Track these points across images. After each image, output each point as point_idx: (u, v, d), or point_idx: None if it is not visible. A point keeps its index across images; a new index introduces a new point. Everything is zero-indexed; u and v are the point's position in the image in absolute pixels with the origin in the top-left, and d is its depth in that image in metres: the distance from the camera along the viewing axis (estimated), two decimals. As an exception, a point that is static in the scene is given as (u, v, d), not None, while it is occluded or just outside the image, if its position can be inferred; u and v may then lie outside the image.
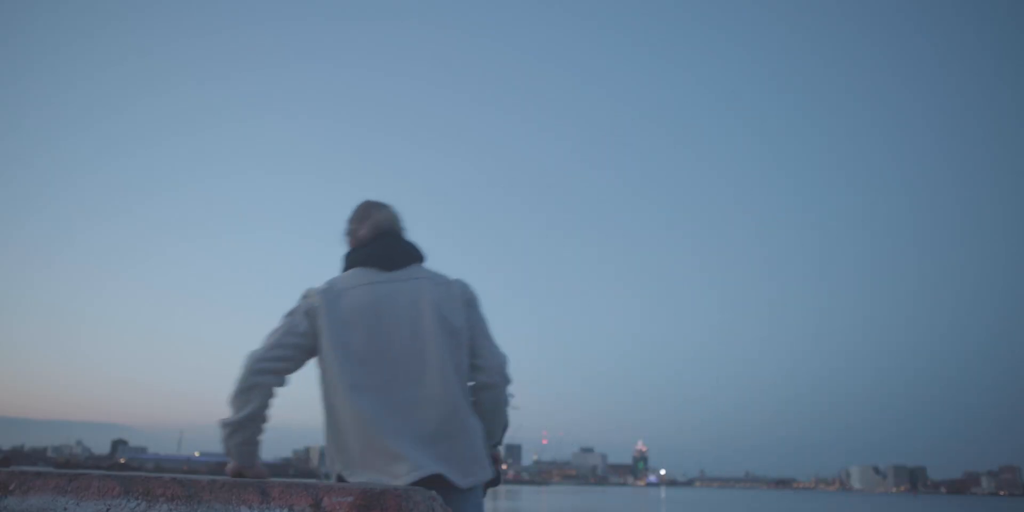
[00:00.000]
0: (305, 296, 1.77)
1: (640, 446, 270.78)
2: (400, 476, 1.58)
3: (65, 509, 1.32)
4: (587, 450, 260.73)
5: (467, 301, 1.84)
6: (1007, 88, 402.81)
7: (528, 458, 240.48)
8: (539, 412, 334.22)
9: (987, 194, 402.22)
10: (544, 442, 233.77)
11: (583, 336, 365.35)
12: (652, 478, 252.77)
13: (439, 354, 1.71)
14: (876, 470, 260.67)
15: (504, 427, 1.91)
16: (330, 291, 1.77)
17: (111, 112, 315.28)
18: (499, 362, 1.82)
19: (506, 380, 1.84)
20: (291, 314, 1.75)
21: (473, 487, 1.70)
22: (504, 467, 1.85)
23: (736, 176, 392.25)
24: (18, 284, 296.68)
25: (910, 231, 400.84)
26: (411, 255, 1.88)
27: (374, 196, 1.87)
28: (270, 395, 1.64)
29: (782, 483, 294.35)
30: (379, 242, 1.88)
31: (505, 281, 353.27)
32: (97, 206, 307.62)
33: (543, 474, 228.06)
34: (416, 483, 1.55)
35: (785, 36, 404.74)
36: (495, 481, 1.80)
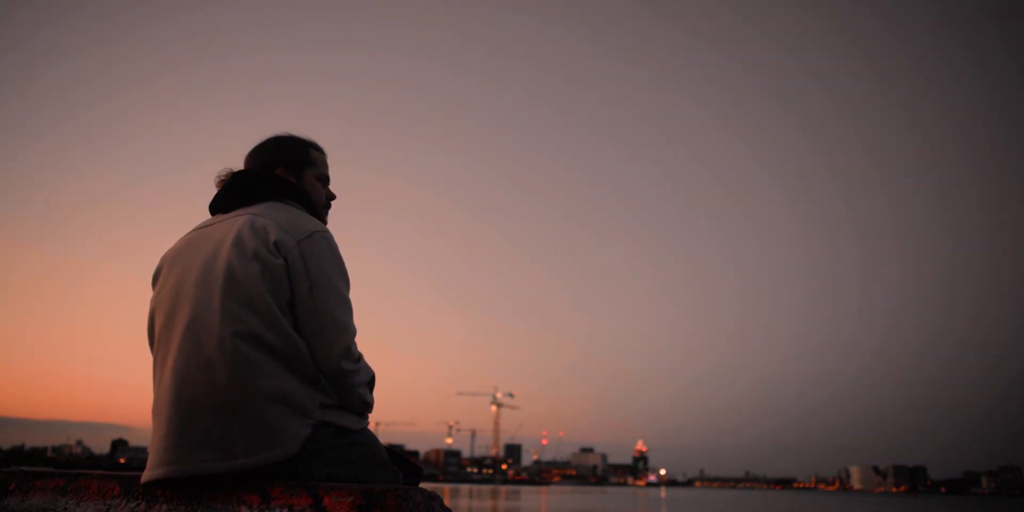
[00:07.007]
0: None
1: (640, 446, 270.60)
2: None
3: (65, 509, 1.31)
4: (587, 450, 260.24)
5: (272, 248, 1.36)
6: (999, 93, 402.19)
7: (528, 458, 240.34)
8: (539, 412, 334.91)
9: (998, 197, 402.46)
10: (544, 442, 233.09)
11: (583, 336, 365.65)
12: (652, 478, 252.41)
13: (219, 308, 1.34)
14: (876, 470, 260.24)
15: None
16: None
17: (109, 103, 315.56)
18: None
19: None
20: None
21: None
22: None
23: (743, 178, 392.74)
24: (18, 284, 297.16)
25: (911, 233, 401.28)
26: (246, 192, 1.48)
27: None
28: None
29: (782, 483, 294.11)
30: (225, 183, 1.55)
31: (505, 280, 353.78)
32: (98, 204, 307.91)
33: (543, 474, 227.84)
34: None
35: (776, 40, 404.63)
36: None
